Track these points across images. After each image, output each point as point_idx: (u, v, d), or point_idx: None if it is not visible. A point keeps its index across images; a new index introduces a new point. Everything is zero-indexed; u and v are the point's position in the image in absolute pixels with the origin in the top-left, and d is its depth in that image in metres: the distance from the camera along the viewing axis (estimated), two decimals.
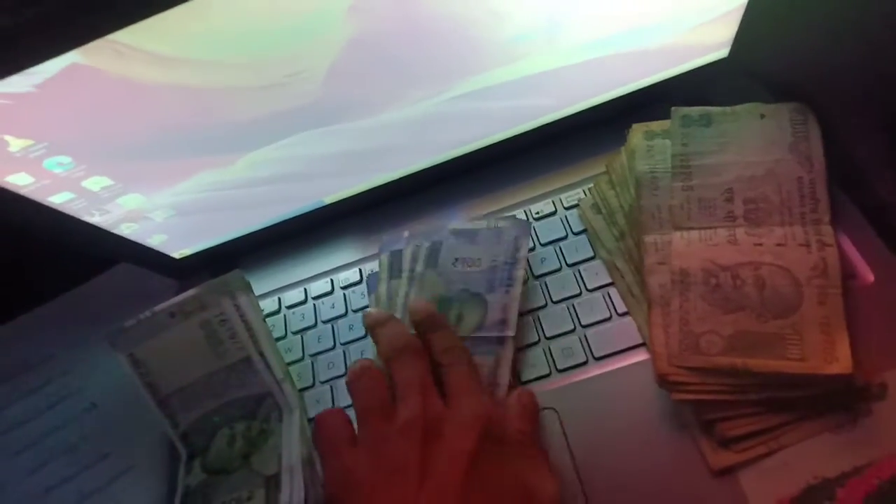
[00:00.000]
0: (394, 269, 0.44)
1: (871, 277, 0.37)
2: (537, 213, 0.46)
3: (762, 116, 0.40)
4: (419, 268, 0.43)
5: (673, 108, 0.41)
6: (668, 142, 0.41)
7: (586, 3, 0.36)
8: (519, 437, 0.33)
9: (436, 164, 0.46)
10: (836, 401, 0.33)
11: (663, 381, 0.34)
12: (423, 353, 0.36)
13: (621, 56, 0.41)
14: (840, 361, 0.32)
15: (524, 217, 0.46)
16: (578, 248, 0.43)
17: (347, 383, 0.36)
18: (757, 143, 0.39)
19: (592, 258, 0.43)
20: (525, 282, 0.42)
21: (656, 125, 0.42)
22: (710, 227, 0.38)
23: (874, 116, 0.43)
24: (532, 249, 0.44)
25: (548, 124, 0.45)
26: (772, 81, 0.45)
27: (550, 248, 0.44)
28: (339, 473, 0.33)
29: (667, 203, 0.39)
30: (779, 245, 0.36)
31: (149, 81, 0.32)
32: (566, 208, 0.45)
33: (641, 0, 0.37)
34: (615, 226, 0.42)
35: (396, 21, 0.33)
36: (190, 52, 0.31)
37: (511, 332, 0.39)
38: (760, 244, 0.36)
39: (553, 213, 0.45)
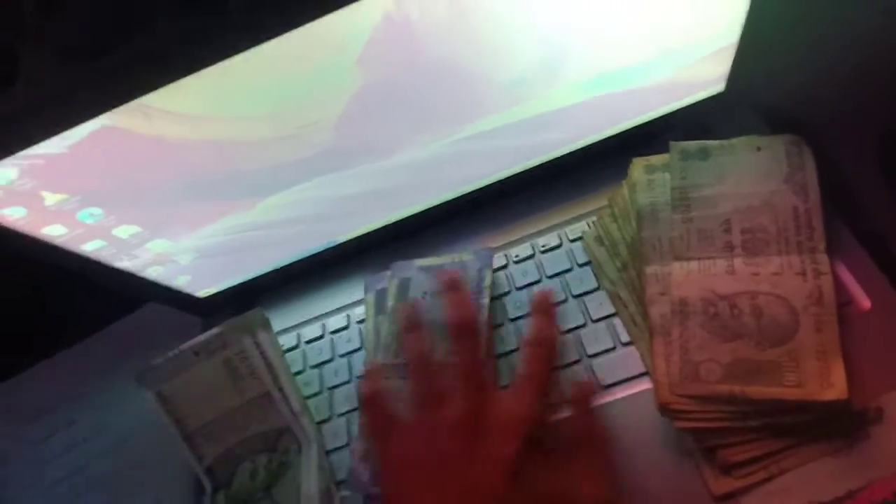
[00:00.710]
0: (379, 307, 0.46)
1: (867, 304, 0.38)
2: (543, 246, 0.47)
3: (758, 149, 0.41)
4: (391, 302, 0.45)
5: (671, 143, 0.43)
6: (667, 175, 0.43)
7: (582, 46, 0.38)
8: (570, 443, 0.34)
9: (444, 201, 0.48)
10: (834, 426, 0.34)
11: (665, 409, 0.36)
12: (480, 342, 0.37)
13: (620, 94, 0.43)
14: (836, 387, 0.33)
15: (531, 250, 0.47)
16: (583, 280, 0.45)
17: (406, 365, 0.37)
18: (753, 174, 0.41)
19: (596, 289, 0.44)
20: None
21: (656, 159, 0.44)
22: (709, 258, 0.39)
23: (867, 144, 0.44)
24: (537, 282, 0.46)
25: (551, 160, 0.47)
26: (768, 113, 0.47)
27: (556, 279, 0.45)
28: (391, 458, 0.34)
29: (667, 234, 0.41)
30: (775, 274, 0.37)
31: (174, 138, 0.34)
32: (571, 241, 0.47)
33: (636, 41, 0.39)
34: (618, 257, 0.43)
35: (401, 72, 0.35)
36: (211, 111, 0.33)
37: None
38: (758, 273, 0.38)
39: (559, 246, 0.47)
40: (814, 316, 0.35)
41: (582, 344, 0.42)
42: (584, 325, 0.43)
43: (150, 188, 0.38)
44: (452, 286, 0.38)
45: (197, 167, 0.37)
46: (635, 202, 0.43)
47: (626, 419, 0.38)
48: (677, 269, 0.40)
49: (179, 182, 0.38)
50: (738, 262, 0.38)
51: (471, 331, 0.37)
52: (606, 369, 0.41)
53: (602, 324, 0.43)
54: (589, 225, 0.47)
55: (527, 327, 0.37)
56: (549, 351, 0.36)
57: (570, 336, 0.43)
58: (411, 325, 0.38)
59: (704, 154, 0.42)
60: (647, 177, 0.43)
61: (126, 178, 0.36)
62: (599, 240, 0.45)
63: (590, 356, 0.42)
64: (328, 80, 0.34)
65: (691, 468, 0.35)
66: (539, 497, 0.31)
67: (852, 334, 0.36)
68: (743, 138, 0.43)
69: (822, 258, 0.37)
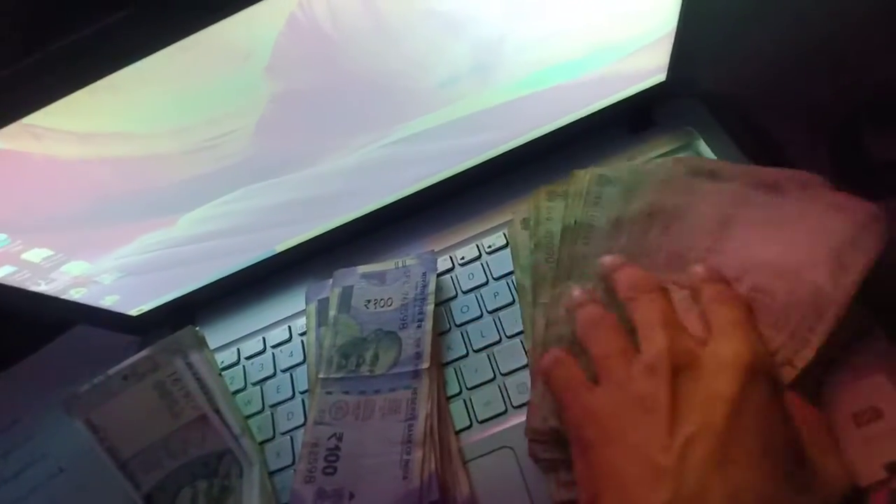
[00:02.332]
0: (321, 318, 0.45)
1: None
2: (489, 246, 0.46)
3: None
4: (332, 312, 0.44)
5: (573, 172, 0.41)
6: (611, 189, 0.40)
7: (514, 42, 0.36)
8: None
9: (384, 205, 0.46)
10: None
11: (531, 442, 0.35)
12: (665, 292, 0.33)
13: (557, 89, 0.41)
14: None
15: (477, 251, 0.46)
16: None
17: (580, 334, 0.34)
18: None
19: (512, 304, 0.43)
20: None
21: (559, 186, 0.42)
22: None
23: (815, 131, 0.43)
24: (484, 284, 0.44)
25: (492, 159, 0.45)
26: (712, 101, 0.45)
27: (504, 280, 0.44)
28: (582, 415, 0.30)
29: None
30: None
31: (71, 158, 0.32)
32: (488, 253, 0.45)
33: (571, 35, 0.37)
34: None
35: (317, 77, 0.33)
36: (104, 128, 0.31)
37: (426, 365, 0.40)
38: None
39: (505, 246, 0.45)
40: None
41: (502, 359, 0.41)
42: (498, 342, 0.42)
43: (55, 210, 0.35)
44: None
45: (102, 186, 0.34)
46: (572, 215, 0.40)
47: None
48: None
49: (87, 202, 0.35)
50: None
51: (651, 284, 0.33)
52: None
53: (517, 339, 0.42)
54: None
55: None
56: (726, 287, 0.33)
57: (518, 340, 0.42)
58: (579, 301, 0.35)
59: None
60: (548, 204, 0.42)
61: (27, 201, 0.34)
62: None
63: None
64: (235, 90, 0.31)
65: None
66: (766, 446, 0.26)
67: None
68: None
69: None
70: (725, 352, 0.28)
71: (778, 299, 0.33)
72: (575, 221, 0.39)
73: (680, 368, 0.28)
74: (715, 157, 0.43)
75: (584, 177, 0.40)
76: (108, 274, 0.42)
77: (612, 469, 0.28)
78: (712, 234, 0.36)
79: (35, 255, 0.38)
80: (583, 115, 0.44)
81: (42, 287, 0.40)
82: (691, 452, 0.26)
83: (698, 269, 0.34)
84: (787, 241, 0.35)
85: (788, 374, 0.31)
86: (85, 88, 0.28)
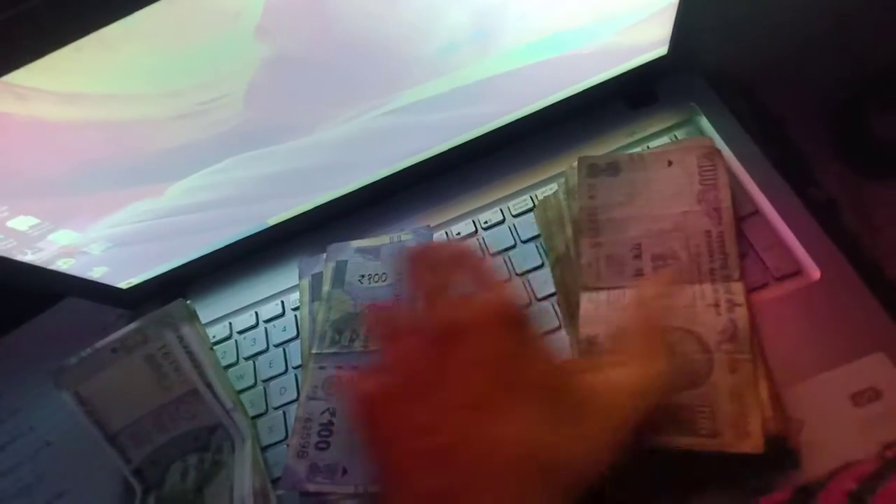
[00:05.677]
0: (314, 292, 0.44)
1: (816, 274, 0.36)
2: (486, 222, 0.45)
3: (669, 164, 0.39)
4: (326, 287, 0.43)
5: (579, 158, 0.40)
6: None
7: (514, 11, 0.35)
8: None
9: (380, 178, 0.45)
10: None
11: None
12: (430, 268, 0.32)
13: (558, 60, 0.40)
14: (752, 438, 0.30)
15: (473, 227, 0.45)
16: (528, 257, 0.42)
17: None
18: (664, 193, 0.38)
19: (541, 266, 0.42)
20: None
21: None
22: (619, 287, 0.37)
23: (817, 110, 0.42)
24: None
25: (490, 133, 0.44)
26: (714, 77, 0.45)
27: (500, 256, 0.43)
28: (365, 405, 0.28)
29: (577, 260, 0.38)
30: (687, 307, 0.34)
31: (57, 120, 0.31)
32: (514, 216, 0.44)
33: (572, 4, 0.36)
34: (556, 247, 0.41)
35: (310, 40, 0.32)
36: (94, 88, 0.30)
37: None
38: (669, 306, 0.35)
39: (501, 222, 0.45)
40: (727, 354, 0.32)
41: None
42: (528, 304, 0.41)
43: (41, 175, 0.34)
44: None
45: (90, 151, 0.33)
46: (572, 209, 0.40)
47: None
48: (585, 301, 0.37)
49: (73, 167, 0.34)
50: None
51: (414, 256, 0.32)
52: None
53: (547, 303, 0.41)
54: (532, 199, 0.44)
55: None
56: (469, 252, 0.33)
57: None
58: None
59: (614, 170, 0.40)
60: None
61: (12, 165, 0.33)
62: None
63: None
64: (224, 52, 0.30)
65: None
66: (529, 385, 0.26)
67: (800, 308, 0.34)
68: (655, 150, 0.41)
69: (737, 287, 0.34)
70: (482, 309, 0.28)
71: (681, 256, 0.36)
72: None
73: (447, 335, 0.27)
74: (716, 133, 0.42)
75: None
76: (97, 244, 0.41)
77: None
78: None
79: (21, 222, 0.37)
80: (583, 88, 0.43)
81: (29, 257, 0.39)
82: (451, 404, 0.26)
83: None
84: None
85: (741, 317, 0.33)
86: (70, 45, 0.27)
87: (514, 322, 0.28)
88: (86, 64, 0.28)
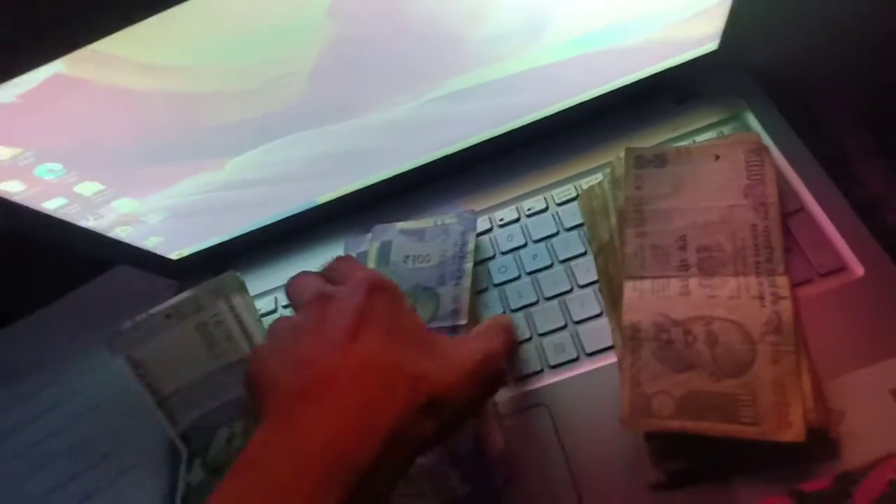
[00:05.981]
0: None
1: (860, 271, 0.37)
2: (529, 209, 0.46)
3: (717, 157, 0.39)
4: (371, 265, 0.44)
5: (626, 148, 0.41)
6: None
7: (567, 1, 0.36)
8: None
9: (427, 162, 0.46)
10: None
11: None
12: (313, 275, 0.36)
13: (607, 52, 0.41)
14: (793, 428, 0.31)
15: (517, 213, 0.46)
16: (570, 244, 0.43)
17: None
18: (711, 186, 0.38)
19: (583, 254, 0.43)
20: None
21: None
22: (664, 277, 0.37)
23: (862, 108, 0.43)
24: (523, 246, 0.44)
25: (537, 122, 0.45)
26: (762, 74, 0.45)
27: (542, 244, 0.44)
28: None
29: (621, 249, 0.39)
30: (732, 298, 0.35)
31: (133, 88, 0.32)
32: (558, 204, 0.45)
33: None
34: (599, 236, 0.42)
35: (375, 22, 0.33)
36: (171, 60, 0.31)
37: (463, 321, 0.40)
38: (713, 296, 0.35)
39: (545, 210, 0.45)
40: (771, 345, 0.33)
41: (568, 310, 0.41)
42: (570, 291, 0.42)
43: (111, 143, 0.36)
44: None
45: (160, 121, 0.35)
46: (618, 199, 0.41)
47: (613, 387, 0.36)
48: (629, 289, 0.37)
49: (143, 137, 0.36)
50: (693, 283, 0.36)
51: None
52: (592, 336, 0.40)
53: (589, 290, 0.41)
54: (576, 188, 0.45)
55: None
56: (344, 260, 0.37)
57: (555, 302, 0.42)
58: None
59: (661, 161, 0.40)
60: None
61: (85, 131, 0.34)
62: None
63: (576, 322, 0.40)
64: (296, 30, 0.31)
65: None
66: (393, 327, 0.31)
67: (844, 304, 0.35)
68: (702, 144, 0.41)
69: (782, 281, 0.35)
70: (352, 280, 0.32)
71: (726, 248, 0.37)
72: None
73: (324, 300, 0.31)
74: (763, 130, 0.43)
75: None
76: (155, 213, 0.43)
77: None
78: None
79: (87, 188, 0.38)
80: (631, 82, 0.44)
81: (90, 223, 0.41)
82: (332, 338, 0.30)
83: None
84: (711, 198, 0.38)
85: (785, 310, 0.34)
86: (154, 17, 0.28)
87: (388, 287, 0.32)
88: (166, 35, 0.29)
